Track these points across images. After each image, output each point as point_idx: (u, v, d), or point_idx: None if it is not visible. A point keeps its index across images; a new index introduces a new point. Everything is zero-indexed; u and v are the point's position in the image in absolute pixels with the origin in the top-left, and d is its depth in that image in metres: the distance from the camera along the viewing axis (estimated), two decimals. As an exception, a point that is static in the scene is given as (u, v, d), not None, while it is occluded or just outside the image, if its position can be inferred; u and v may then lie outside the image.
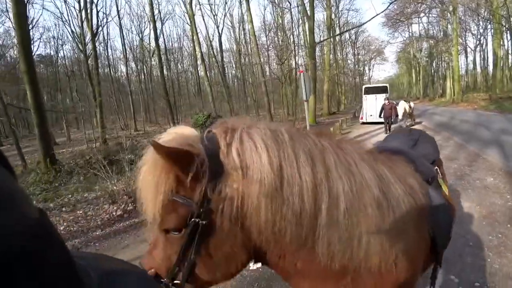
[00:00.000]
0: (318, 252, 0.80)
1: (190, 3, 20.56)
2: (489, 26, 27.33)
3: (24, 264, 0.22)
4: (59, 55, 30.89)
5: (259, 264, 2.75)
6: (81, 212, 5.41)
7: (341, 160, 0.82)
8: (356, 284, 0.87)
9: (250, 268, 2.83)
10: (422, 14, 27.45)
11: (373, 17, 14.72)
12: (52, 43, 31.61)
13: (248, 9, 19.49)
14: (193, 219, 0.75)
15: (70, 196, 6.76)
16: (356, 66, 36.86)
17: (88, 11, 17.36)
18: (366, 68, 42.32)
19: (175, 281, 0.81)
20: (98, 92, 17.37)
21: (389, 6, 17.49)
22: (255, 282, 2.68)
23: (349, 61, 35.27)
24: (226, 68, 29.86)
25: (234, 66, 36.04)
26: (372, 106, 14.99)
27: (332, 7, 24.03)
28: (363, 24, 27.15)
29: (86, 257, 0.36)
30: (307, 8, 17.58)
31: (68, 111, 18.02)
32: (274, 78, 20.28)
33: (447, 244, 1.16)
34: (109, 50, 29.88)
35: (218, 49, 30.20)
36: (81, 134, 23.35)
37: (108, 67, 29.65)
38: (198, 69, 32.79)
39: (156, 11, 17.16)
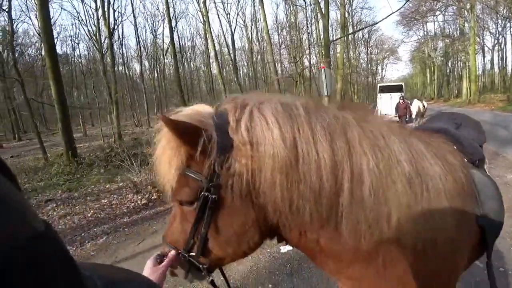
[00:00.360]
0: (342, 232, 0.77)
1: (204, 2, 20.78)
2: (508, 25, 26.58)
3: (31, 276, 0.23)
4: (75, 54, 31.77)
5: (289, 247, 2.91)
6: (105, 201, 5.64)
7: (366, 134, 0.77)
8: (388, 267, 0.82)
9: (281, 251, 2.98)
10: (438, 12, 26.93)
11: (389, 15, 14.48)
12: (69, 41, 32.55)
13: (262, 7, 19.57)
14: (202, 193, 0.76)
15: (93, 186, 7.04)
16: (369, 65, 36.46)
17: (105, 9, 17.80)
18: (379, 67, 41.83)
19: (191, 253, 0.83)
20: (114, 90, 17.82)
21: (405, 3, 17.24)
22: (287, 263, 2.83)
23: (361, 60, 34.96)
24: (237, 67, 30.03)
25: (246, 64, 36.22)
26: (387, 104, 14.88)
27: (346, 5, 23.86)
28: (379, 22, 26.85)
29: (91, 267, 0.36)
30: (322, 6, 17.48)
31: (85, 107, 18.49)
32: (287, 76, 20.29)
33: (498, 233, 1.03)
34: (123, 49, 30.46)
35: (231, 47, 30.38)
36: (97, 130, 23.99)
37: (123, 65, 30.27)
38: (211, 67, 33.11)
39: (170, 10, 17.49)
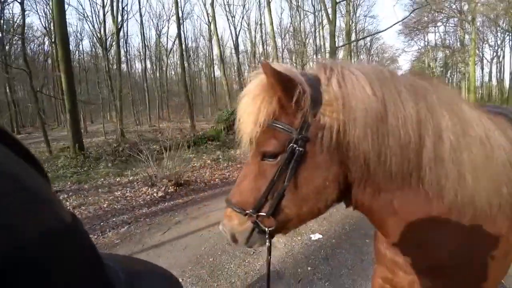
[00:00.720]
0: (425, 189, 0.80)
1: (212, 4, 20.93)
2: (507, 38, 27.13)
3: (59, 264, 0.23)
4: (78, 50, 31.64)
5: (319, 235, 3.00)
6: (119, 193, 5.61)
7: (442, 99, 0.82)
8: (460, 229, 0.83)
9: (312, 238, 3.02)
10: (439, 23, 27.37)
11: (394, 24, 14.76)
12: (72, 37, 32.40)
13: (269, 12, 19.77)
14: (291, 145, 0.78)
15: (102, 179, 6.99)
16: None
17: (114, 7, 17.82)
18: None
19: (260, 213, 0.82)
20: (119, 87, 17.76)
21: (410, 14, 17.56)
22: (320, 249, 2.94)
23: (362, 68, 35.17)
24: (238, 69, 30.15)
25: (247, 67, 36.36)
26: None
27: (350, 13, 24.19)
28: (384, 30, 27.24)
29: (113, 258, 0.37)
30: (330, 13, 17.74)
31: (90, 102, 18.39)
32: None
33: None
34: (127, 47, 30.43)
35: (233, 49, 30.51)
36: (97, 127, 23.87)
37: (126, 63, 30.21)
38: (214, 68, 33.18)
39: (177, 10, 17.55)
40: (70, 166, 8.59)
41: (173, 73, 37.65)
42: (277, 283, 2.45)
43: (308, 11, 23.44)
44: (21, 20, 12.69)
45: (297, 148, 0.78)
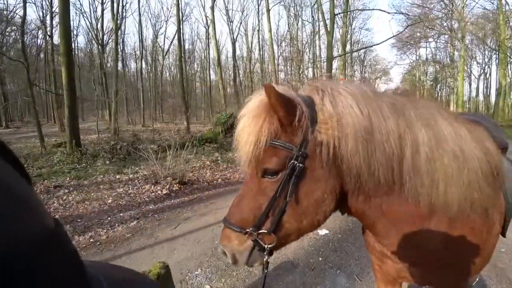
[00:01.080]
0: (405, 195, 0.89)
1: (212, 7, 21.13)
2: (493, 57, 28.39)
3: (39, 272, 0.23)
4: (73, 46, 31.16)
5: (326, 231, 3.23)
6: (121, 190, 5.61)
7: (419, 114, 0.91)
8: (435, 226, 0.95)
9: (320, 234, 3.20)
10: (431, 39, 28.41)
11: (389, 38, 15.37)
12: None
13: (268, 19, 20.13)
14: (292, 161, 0.83)
15: (102, 176, 6.94)
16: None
17: (115, 4, 17.77)
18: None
19: (260, 230, 0.86)
20: (115, 85, 17.61)
21: (404, 29, 18.23)
22: (328, 242, 3.15)
23: (355, 79, 36.15)
24: (234, 74, 30.34)
25: (243, 72, 36.61)
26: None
27: (347, 25, 24.85)
28: (380, 43, 28.06)
29: (96, 266, 0.37)
30: (328, 24, 18.21)
31: (86, 99, 18.16)
32: (288, 87, 20.71)
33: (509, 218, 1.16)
34: (123, 46, 30.21)
35: (232, 54, 30.71)
36: (88, 125, 23.48)
37: (122, 62, 29.97)
38: (210, 71, 33.27)
39: (175, 12, 17.64)
40: (67, 162, 8.49)
41: (167, 74, 37.56)
42: (292, 271, 2.65)
43: (306, 21, 23.98)
44: (22, 12, 12.45)
45: (297, 164, 0.83)
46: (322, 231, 3.34)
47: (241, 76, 31.68)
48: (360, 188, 0.89)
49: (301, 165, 0.83)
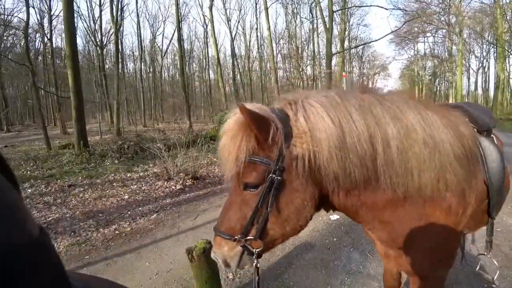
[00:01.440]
0: (382, 186, 0.96)
1: (211, 7, 21.22)
2: (491, 50, 28.61)
3: (21, 280, 0.22)
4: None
5: (337, 216, 3.47)
6: (135, 187, 5.75)
7: (386, 109, 0.96)
8: (411, 209, 1.02)
9: (332, 219, 3.42)
10: (428, 34, 28.60)
11: (387, 34, 15.49)
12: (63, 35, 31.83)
13: (267, 17, 20.23)
14: (270, 175, 0.89)
15: (113, 175, 7.09)
16: (361, 79, 37.98)
17: (114, 6, 17.85)
18: (370, 82, 43.59)
19: (247, 237, 0.92)
20: (117, 86, 17.74)
21: (403, 25, 18.39)
22: (340, 226, 3.40)
23: (354, 75, 36.28)
24: (233, 72, 30.46)
25: (242, 71, 36.73)
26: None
27: (345, 21, 24.98)
28: (379, 39, 28.22)
29: (77, 277, 0.36)
30: (326, 21, 18.35)
31: (88, 100, 18.25)
32: (287, 84, 20.87)
33: (498, 199, 1.20)
34: (122, 47, 30.26)
35: (230, 53, 30.82)
36: (88, 127, 23.58)
37: (121, 63, 30.03)
38: (209, 71, 33.36)
39: (172, 12, 17.74)
40: (76, 162, 8.62)
41: (166, 74, 37.61)
42: (311, 250, 2.92)
43: (305, 18, 24.14)
44: (25, 16, 12.55)
45: (275, 177, 0.89)
46: (334, 216, 3.55)
47: (239, 75, 31.76)
48: (339, 187, 0.96)
49: (279, 178, 0.89)
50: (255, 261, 0.94)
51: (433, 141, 0.96)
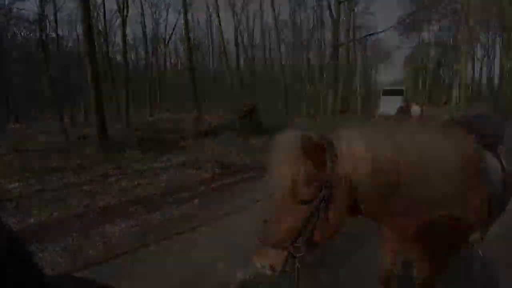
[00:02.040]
0: (404, 196, 1.17)
1: (217, -4, 21.04)
2: (497, 39, 28.45)
3: None
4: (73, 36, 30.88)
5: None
6: (166, 176, 6.05)
7: (411, 140, 1.19)
8: (418, 208, 1.21)
9: None
10: (433, 22, 28.36)
11: (391, 26, 15.48)
12: (67, 24, 31.47)
13: (272, 6, 20.14)
14: (321, 192, 1.07)
15: (140, 165, 7.40)
16: (365, 68, 37.75)
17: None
18: (373, 70, 43.34)
19: (295, 245, 1.07)
20: (125, 76, 17.87)
21: (410, 15, 18.36)
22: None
23: (357, 64, 36.02)
24: (237, 61, 30.38)
25: (243, 61, 36.60)
26: (388, 107, 15.82)
27: (351, 11, 24.77)
28: (385, 30, 28.08)
29: (74, 280, 0.35)
30: (333, 10, 18.28)
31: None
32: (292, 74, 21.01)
33: (499, 206, 1.41)
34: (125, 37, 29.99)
35: (233, 42, 30.64)
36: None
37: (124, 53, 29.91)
38: (213, 59, 33.19)
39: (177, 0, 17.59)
40: (99, 153, 8.93)
41: (168, 64, 37.42)
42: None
43: (312, 8, 23.96)
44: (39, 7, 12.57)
45: (327, 193, 1.07)
46: None
47: (242, 62, 31.65)
48: (369, 197, 1.17)
49: (328, 193, 1.07)
50: (297, 264, 1.10)
51: (443, 159, 1.19)
